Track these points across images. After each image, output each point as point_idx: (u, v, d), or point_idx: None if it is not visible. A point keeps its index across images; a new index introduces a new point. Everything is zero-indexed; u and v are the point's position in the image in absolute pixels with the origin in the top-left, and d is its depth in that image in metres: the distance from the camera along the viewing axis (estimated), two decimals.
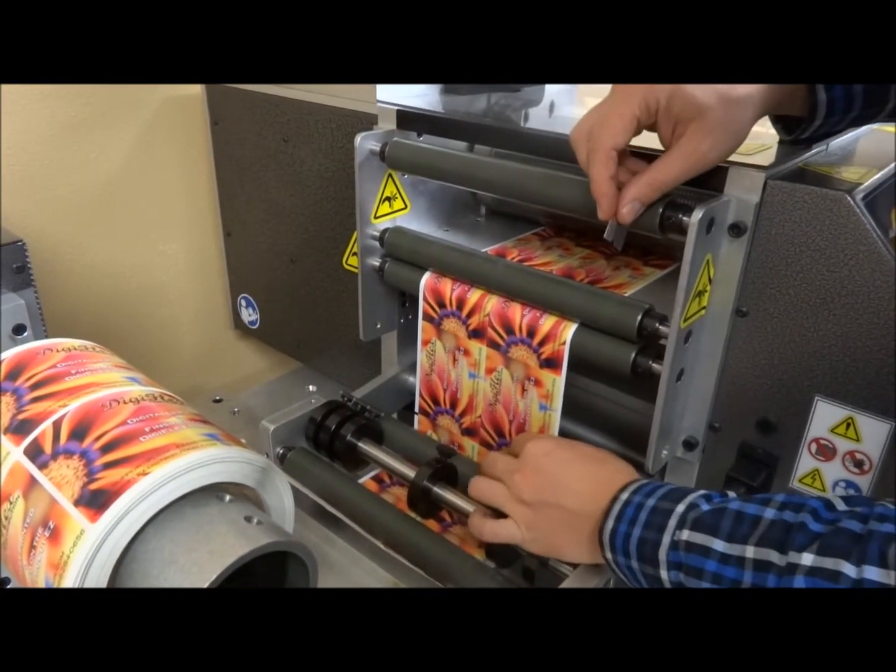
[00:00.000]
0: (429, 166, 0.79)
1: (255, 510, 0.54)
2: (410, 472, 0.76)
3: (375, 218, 0.84)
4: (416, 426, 0.91)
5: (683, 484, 0.65)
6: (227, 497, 0.54)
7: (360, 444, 0.81)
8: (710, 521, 0.49)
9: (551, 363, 0.73)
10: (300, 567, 0.55)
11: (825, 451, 0.65)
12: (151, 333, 1.20)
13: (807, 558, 0.43)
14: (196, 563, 0.48)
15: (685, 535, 0.50)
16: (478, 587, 0.66)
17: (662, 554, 0.51)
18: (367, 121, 0.86)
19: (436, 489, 0.74)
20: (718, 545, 0.48)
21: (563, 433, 0.78)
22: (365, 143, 0.80)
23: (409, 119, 0.82)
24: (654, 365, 0.66)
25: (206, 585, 0.47)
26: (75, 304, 1.07)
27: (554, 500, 0.60)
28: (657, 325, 0.65)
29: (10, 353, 0.63)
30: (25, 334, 0.75)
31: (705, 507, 0.51)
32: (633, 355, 0.67)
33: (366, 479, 0.87)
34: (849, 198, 0.57)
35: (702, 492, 0.53)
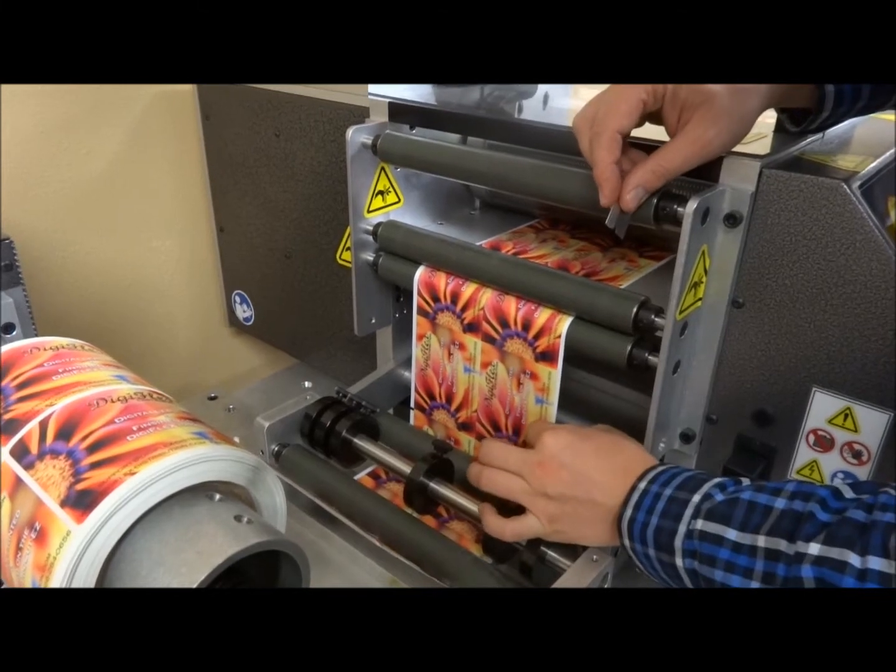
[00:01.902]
0: (422, 159, 0.78)
1: (245, 509, 0.54)
2: (407, 468, 0.76)
3: (369, 212, 0.84)
4: (411, 421, 0.90)
5: None
6: (217, 496, 0.54)
7: (356, 441, 0.80)
8: (723, 511, 0.50)
9: (547, 356, 0.72)
10: (292, 566, 0.54)
11: (823, 443, 0.64)
12: (145, 331, 1.19)
13: (814, 548, 0.44)
14: (185, 563, 0.48)
15: (699, 524, 0.51)
16: (475, 583, 0.66)
17: (678, 542, 0.52)
18: (358, 114, 0.86)
19: (432, 485, 0.74)
20: (731, 534, 0.49)
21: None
22: (357, 136, 0.79)
23: (401, 111, 0.81)
24: (650, 357, 0.65)
25: (194, 586, 0.46)
26: (68, 302, 1.06)
27: (582, 493, 0.60)
28: (653, 317, 0.64)
29: None
30: (14, 333, 0.74)
31: (719, 497, 0.52)
32: (629, 348, 0.66)
33: (362, 476, 0.87)
34: (845, 186, 0.56)
35: (717, 480, 0.54)
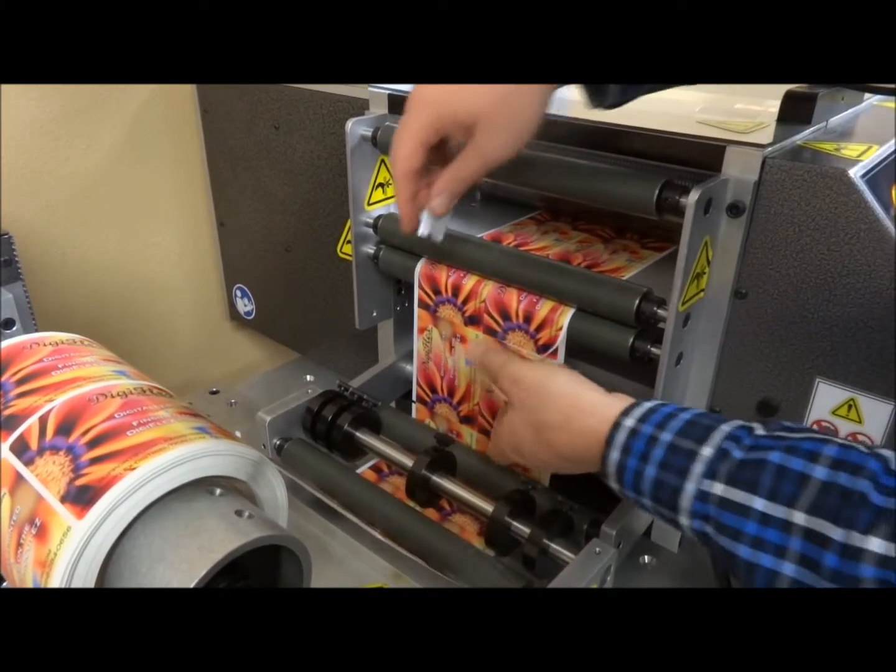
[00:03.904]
0: None
1: (246, 504, 0.53)
2: (409, 461, 0.75)
3: (369, 205, 0.83)
4: (413, 415, 0.90)
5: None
6: (218, 491, 0.53)
7: (358, 434, 0.80)
8: (748, 476, 0.44)
9: (548, 349, 0.71)
10: (294, 561, 0.54)
11: (827, 433, 0.64)
12: (147, 326, 1.19)
13: (875, 543, 0.38)
14: (185, 559, 0.47)
15: (719, 489, 0.45)
16: (478, 576, 0.66)
17: (685, 502, 0.47)
18: (358, 106, 0.85)
19: (434, 478, 0.74)
20: (758, 504, 0.43)
21: None
22: (356, 128, 0.78)
23: (400, 103, 0.80)
24: (652, 349, 0.65)
25: (195, 581, 0.46)
26: (69, 298, 1.06)
27: (531, 459, 0.63)
28: (655, 308, 0.64)
29: None
30: (14, 329, 0.74)
31: (737, 453, 0.46)
32: (631, 340, 0.66)
33: (364, 469, 0.87)
34: (849, 174, 0.55)
35: (726, 429, 0.48)
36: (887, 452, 0.42)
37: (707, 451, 0.47)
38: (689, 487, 0.47)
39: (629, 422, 0.52)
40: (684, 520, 0.48)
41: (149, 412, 0.54)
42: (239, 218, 1.11)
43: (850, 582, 0.39)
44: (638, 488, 0.51)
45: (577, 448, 0.57)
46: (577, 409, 0.57)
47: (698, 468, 0.47)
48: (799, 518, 0.41)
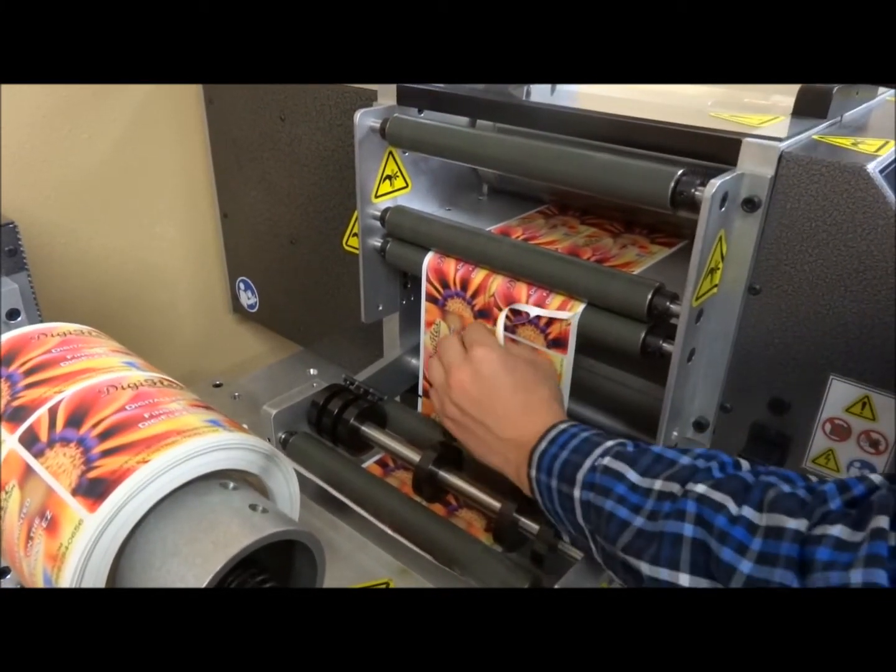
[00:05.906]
0: (430, 143, 0.77)
1: (259, 498, 0.53)
2: (415, 456, 0.75)
3: (376, 197, 0.83)
4: (419, 409, 0.89)
5: None
6: (231, 484, 0.53)
7: (364, 428, 0.80)
8: (631, 455, 0.54)
9: (558, 343, 0.71)
10: (307, 554, 0.54)
11: (840, 431, 0.64)
12: (149, 318, 1.18)
13: (700, 488, 0.49)
14: (200, 553, 0.47)
15: (606, 461, 0.54)
16: (486, 572, 0.65)
17: (580, 475, 0.55)
18: (365, 97, 0.84)
19: (441, 473, 0.73)
20: (632, 475, 0.53)
21: (571, 415, 0.77)
22: (364, 119, 0.78)
23: (409, 95, 0.80)
24: (664, 345, 0.65)
25: (210, 577, 0.45)
26: (71, 289, 1.05)
27: (479, 415, 0.65)
28: (668, 303, 0.63)
29: (3, 338, 0.61)
30: (19, 319, 0.73)
31: (630, 447, 0.56)
32: (642, 335, 0.66)
33: (369, 464, 0.86)
34: (868, 169, 0.55)
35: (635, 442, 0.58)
36: (743, 461, 0.53)
37: (610, 443, 0.57)
38: (587, 463, 0.56)
39: (563, 425, 0.60)
40: (577, 492, 0.55)
41: (160, 404, 0.54)
42: (243, 209, 1.11)
43: (677, 515, 0.48)
44: (550, 470, 0.58)
45: (524, 428, 0.62)
46: (528, 409, 0.64)
47: (598, 451, 0.56)
48: (658, 485, 0.51)
